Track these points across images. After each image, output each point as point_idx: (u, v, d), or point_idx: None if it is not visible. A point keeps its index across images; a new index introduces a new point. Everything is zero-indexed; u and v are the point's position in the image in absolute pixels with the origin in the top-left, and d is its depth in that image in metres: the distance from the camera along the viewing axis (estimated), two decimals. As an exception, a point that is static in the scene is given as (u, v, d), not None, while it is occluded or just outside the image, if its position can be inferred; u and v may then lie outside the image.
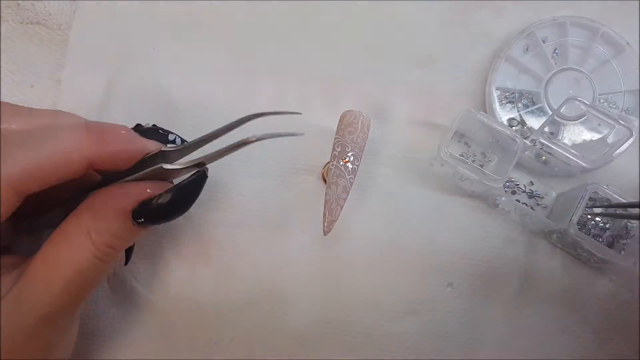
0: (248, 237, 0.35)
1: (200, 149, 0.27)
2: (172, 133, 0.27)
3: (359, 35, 0.38)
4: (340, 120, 0.31)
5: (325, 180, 0.35)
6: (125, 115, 0.36)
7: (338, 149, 0.31)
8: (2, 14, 0.36)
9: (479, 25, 0.38)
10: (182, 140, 0.28)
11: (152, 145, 0.26)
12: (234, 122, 0.24)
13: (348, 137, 0.31)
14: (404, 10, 0.38)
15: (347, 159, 0.31)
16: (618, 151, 0.34)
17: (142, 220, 0.25)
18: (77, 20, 0.37)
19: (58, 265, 0.24)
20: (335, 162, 0.31)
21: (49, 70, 0.36)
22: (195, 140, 0.26)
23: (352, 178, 0.31)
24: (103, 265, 0.25)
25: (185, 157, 0.27)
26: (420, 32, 0.38)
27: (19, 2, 0.36)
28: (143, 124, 0.28)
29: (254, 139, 0.22)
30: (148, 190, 0.25)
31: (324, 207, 0.31)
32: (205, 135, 0.26)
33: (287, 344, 0.34)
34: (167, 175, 0.27)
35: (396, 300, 0.35)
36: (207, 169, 0.26)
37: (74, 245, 0.24)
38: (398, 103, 0.37)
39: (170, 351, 0.34)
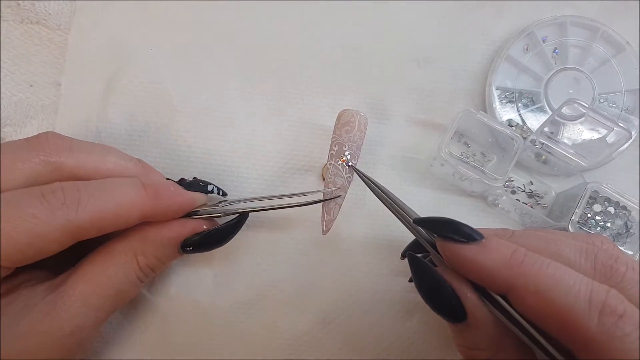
0: (248, 237, 0.35)
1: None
2: (210, 184, 0.32)
3: (359, 35, 0.38)
4: (337, 119, 0.31)
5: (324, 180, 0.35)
6: (124, 115, 0.36)
7: (335, 148, 0.31)
8: (2, 14, 0.36)
9: (479, 25, 0.38)
10: (219, 190, 0.32)
11: (201, 197, 0.30)
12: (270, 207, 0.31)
13: (345, 136, 0.31)
14: (404, 10, 0.38)
15: (344, 158, 0.31)
16: (618, 151, 0.34)
17: (190, 248, 0.29)
18: (77, 20, 0.37)
19: (98, 281, 0.26)
20: (332, 162, 0.31)
21: (49, 70, 0.37)
22: (239, 199, 0.32)
23: (349, 177, 0.31)
24: (139, 285, 0.28)
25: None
26: (420, 32, 0.38)
27: (19, 2, 0.36)
28: (185, 178, 0.32)
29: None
30: (204, 226, 0.29)
31: (322, 207, 0.31)
32: (245, 198, 0.33)
33: (287, 344, 0.34)
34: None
35: (396, 300, 0.35)
36: (248, 214, 0.31)
37: (119, 264, 0.27)
38: (398, 103, 0.37)
39: (170, 351, 0.34)
